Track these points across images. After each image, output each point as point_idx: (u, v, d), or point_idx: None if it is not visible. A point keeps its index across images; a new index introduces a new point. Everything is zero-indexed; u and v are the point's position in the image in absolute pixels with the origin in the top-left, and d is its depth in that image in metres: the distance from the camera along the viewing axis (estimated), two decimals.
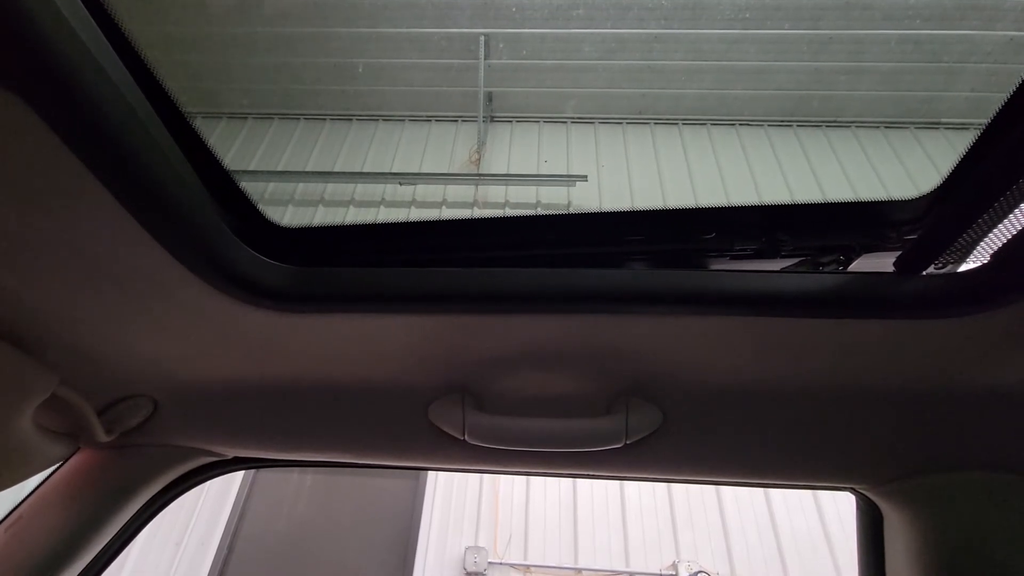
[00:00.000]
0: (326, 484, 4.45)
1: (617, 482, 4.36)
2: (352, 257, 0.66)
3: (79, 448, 0.78)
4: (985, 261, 0.52)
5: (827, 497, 4.26)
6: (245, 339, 0.66)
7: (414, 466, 0.84)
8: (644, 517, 4.31)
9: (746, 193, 4.68)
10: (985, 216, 0.48)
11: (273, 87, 5.14)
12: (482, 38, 4.63)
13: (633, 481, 0.86)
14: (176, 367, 0.72)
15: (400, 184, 4.87)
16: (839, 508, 4.19)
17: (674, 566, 4.04)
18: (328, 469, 1.98)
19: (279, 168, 5.04)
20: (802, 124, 5.08)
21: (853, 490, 0.80)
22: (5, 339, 0.57)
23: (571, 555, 4.13)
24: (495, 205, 4.82)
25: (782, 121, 5.10)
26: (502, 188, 4.88)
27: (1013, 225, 0.48)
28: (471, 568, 4.00)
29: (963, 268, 0.55)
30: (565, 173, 4.87)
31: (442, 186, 4.91)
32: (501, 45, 4.72)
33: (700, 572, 3.99)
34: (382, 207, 4.87)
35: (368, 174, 4.95)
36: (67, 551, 0.71)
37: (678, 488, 4.42)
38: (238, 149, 5.13)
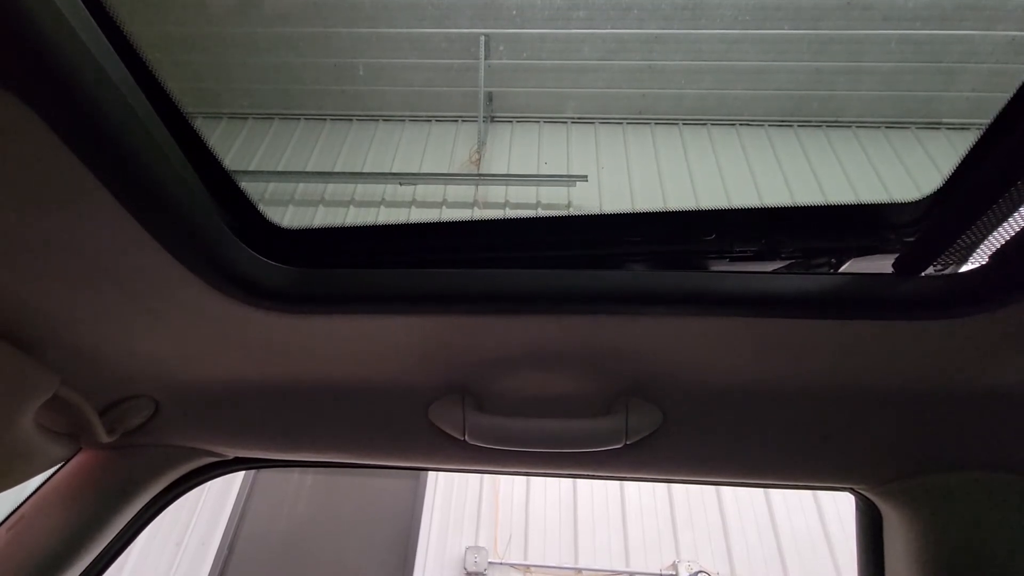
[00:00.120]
0: (326, 484, 4.45)
1: (617, 482, 4.36)
2: (352, 258, 0.66)
3: (80, 448, 0.78)
4: (984, 262, 0.52)
5: (827, 497, 4.26)
6: (245, 339, 0.66)
7: (414, 466, 0.84)
8: (644, 517, 4.31)
9: (746, 194, 4.68)
10: (984, 218, 0.48)
11: (273, 87, 5.14)
12: (482, 39, 4.64)
13: (633, 481, 0.86)
14: (177, 367, 0.72)
15: (400, 184, 4.87)
16: (839, 508, 4.19)
17: (674, 566, 4.04)
18: (328, 469, 1.99)
19: (279, 168, 5.04)
20: (802, 124, 5.08)
21: (852, 490, 0.80)
22: (6, 339, 0.57)
23: (571, 555, 4.13)
24: (495, 205, 4.82)
25: (782, 121, 5.09)
26: (502, 188, 4.88)
27: (1012, 226, 0.48)
28: (471, 568, 4.00)
29: (963, 269, 0.55)
30: (565, 173, 4.87)
31: (442, 186, 4.91)
32: (501, 46, 4.73)
33: (700, 572, 3.99)
34: (382, 207, 4.87)
35: (368, 174, 4.95)
36: (68, 551, 0.71)
37: (678, 488, 4.42)
38: (238, 149, 5.14)
